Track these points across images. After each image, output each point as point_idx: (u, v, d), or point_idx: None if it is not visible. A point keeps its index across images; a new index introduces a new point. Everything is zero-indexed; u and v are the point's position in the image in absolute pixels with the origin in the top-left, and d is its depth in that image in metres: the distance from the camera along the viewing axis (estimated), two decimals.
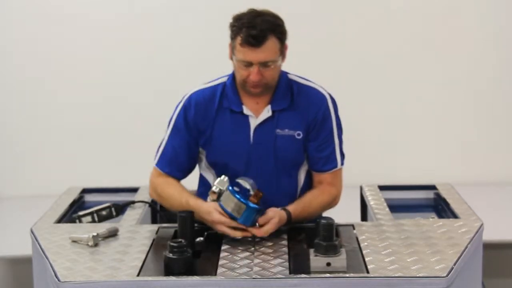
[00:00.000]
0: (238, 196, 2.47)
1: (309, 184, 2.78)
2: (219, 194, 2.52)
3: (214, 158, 2.73)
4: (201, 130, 2.71)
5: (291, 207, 2.64)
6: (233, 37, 2.59)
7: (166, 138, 2.76)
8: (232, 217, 2.48)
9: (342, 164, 2.77)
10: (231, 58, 2.64)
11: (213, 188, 2.54)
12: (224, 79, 2.75)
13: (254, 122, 2.69)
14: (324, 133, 2.72)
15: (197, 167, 2.83)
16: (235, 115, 2.69)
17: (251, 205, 2.47)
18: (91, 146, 4.51)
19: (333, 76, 4.34)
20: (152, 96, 4.40)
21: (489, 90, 4.48)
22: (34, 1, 4.42)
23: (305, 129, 2.70)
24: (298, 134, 2.71)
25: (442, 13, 4.44)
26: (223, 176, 2.55)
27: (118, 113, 4.48)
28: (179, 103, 2.75)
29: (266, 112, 2.69)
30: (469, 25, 4.44)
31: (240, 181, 2.52)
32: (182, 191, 2.70)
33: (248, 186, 2.51)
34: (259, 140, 2.69)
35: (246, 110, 2.69)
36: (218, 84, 2.74)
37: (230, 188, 2.49)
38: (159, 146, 2.78)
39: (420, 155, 4.52)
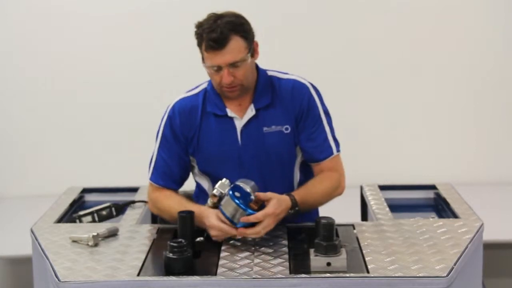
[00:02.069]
0: (237, 201, 2.46)
1: (306, 179, 2.77)
2: (220, 197, 2.51)
3: (205, 164, 2.73)
4: (189, 138, 2.71)
5: (294, 192, 2.64)
6: (199, 45, 2.59)
7: (156, 151, 2.76)
8: (231, 222, 2.48)
9: (338, 150, 2.75)
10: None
11: (214, 192, 2.53)
12: (205, 85, 2.75)
13: (239, 124, 2.69)
14: (312, 121, 2.71)
15: (191, 174, 2.83)
16: (220, 119, 2.69)
17: (250, 211, 2.46)
18: (91, 146, 4.51)
19: (333, 76, 4.35)
20: (153, 96, 4.40)
21: (489, 90, 4.48)
22: (34, 1, 4.42)
23: (292, 122, 2.69)
24: (286, 129, 2.70)
25: (442, 13, 4.44)
26: (224, 179, 2.54)
27: (118, 113, 4.48)
28: (164, 114, 2.75)
29: (250, 112, 2.69)
30: (469, 25, 4.44)
31: (241, 184, 2.49)
32: (181, 200, 2.69)
33: (248, 190, 2.49)
34: (248, 140, 2.68)
35: (230, 113, 2.68)
36: (199, 91, 2.74)
37: (231, 192, 2.47)
38: (151, 160, 2.77)
39: (420, 155, 4.52)
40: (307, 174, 2.79)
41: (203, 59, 2.60)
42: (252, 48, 2.61)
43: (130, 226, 2.74)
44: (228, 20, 2.55)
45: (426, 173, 4.27)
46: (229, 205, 2.47)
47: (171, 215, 2.69)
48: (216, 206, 2.53)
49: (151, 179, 2.77)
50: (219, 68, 2.57)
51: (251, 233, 2.47)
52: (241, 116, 2.69)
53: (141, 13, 4.44)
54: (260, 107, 2.69)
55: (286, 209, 2.56)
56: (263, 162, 2.69)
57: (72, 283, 2.25)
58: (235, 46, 2.54)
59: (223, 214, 2.48)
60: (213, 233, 2.51)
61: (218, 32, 2.52)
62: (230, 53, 2.54)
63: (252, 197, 2.48)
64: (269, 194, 2.52)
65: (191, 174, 2.83)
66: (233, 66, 2.56)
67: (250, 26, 2.61)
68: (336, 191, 2.74)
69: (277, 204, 2.51)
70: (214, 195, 2.52)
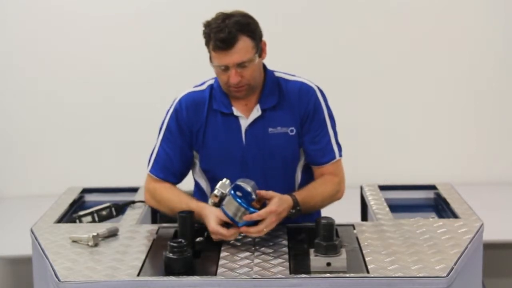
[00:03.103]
0: (239, 200, 2.46)
1: (306, 182, 2.77)
2: (221, 197, 2.51)
3: (208, 161, 2.72)
4: (194, 133, 2.70)
5: (296, 192, 2.65)
6: (206, 44, 2.59)
7: (159, 143, 2.75)
8: (233, 221, 2.48)
9: (340, 155, 2.76)
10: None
11: (215, 192, 2.52)
12: (211, 82, 2.75)
13: (244, 123, 2.69)
14: (317, 124, 2.71)
15: (190, 172, 2.83)
16: (225, 117, 2.69)
17: (252, 210, 2.46)
18: (91, 146, 4.51)
19: (333, 76, 4.35)
20: (153, 96, 4.40)
21: (489, 90, 4.48)
22: (34, 1, 4.42)
23: (298, 124, 2.70)
24: (291, 131, 2.70)
25: (442, 13, 4.44)
26: (224, 179, 2.53)
27: (118, 113, 4.48)
28: (170, 107, 2.75)
29: (256, 112, 2.68)
30: (469, 25, 4.44)
31: (242, 183, 2.49)
32: (181, 195, 2.69)
33: (249, 189, 2.49)
34: (252, 140, 2.68)
35: (236, 111, 2.68)
36: (206, 87, 2.74)
37: (232, 192, 2.47)
38: (152, 152, 2.77)
39: (420, 155, 4.52)
40: (309, 177, 2.79)
41: (210, 58, 2.59)
42: (259, 48, 2.61)
43: (130, 226, 2.74)
44: (236, 20, 2.54)
45: (426, 173, 4.26)
46: (231, 205, 2.47)
47: (169, 208, 2.70)
48: (217, 206, 2.53)
49: (150, 171, 2.76)
50: (226, 68, 2.57)
51: (254, 231, 2.47)
52: (247, 115, 2.69)
53: (141, 13, 4.44)
54: (266, 108, 2.69)
55: (288, 208, 2.56)
56: (266, 163, 2.70)
57: (72, 283, 2.25)
58: (243, 46, 2.54)
59: (225, 213, 2.48)
60: (214, 237, 2.51)
61: (226, 32, 2.51)
62: (238, 53, 2.54)
63: (253, 196, 2.48)
64: (271, 193, 2.53)
65: (190, 172, 2.83)
66: (240, 66, 2.56)
67: (258, 25, 2.62)
68: (336, 195, 2.75)
69: (279, 202, 2.51)
70: (215, 195, 2.52)
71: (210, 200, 2.54)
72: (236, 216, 2.46)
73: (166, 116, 2.75)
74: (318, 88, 2.75)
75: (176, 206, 2.63)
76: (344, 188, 2.78)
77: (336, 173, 2.75)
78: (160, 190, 2.73)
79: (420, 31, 4.44)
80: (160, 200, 2.74)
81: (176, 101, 2.74)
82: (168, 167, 2.74)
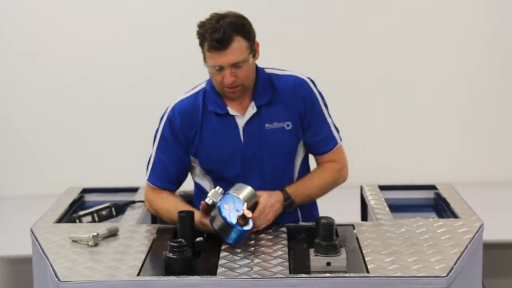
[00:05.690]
0: (224, 216, 2.42)
1: (306, 172, 2.80)
2: (213, 206, 2.50)
3: (208, 164, 2.73)
4: (190, 139, 2.71)
5: (287, 186, 2.69)
6: (201, 45, 2.59)
7: (154, 152, 2.76)
8: (219, 235, 2.45)
9: (340, 139, 2.79)
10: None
11: (207, 200, 2.50)
12: (203, 85, 2.75)
13: (241, 122, 2.69)
14: (316, 116, 2.73)
15: (189, 175, 2.83)
16: (221, 118, 2.69)
17: (239, 228, 2.43)
18: (91, 146, 4.51)
19: (333, 76, 4.35)
20: (153, 96, 4.40)
21: (489, 90, 4.48)
22: (34, 1, 4.42)
23: (295, 118, 2.71)
24: (288, 125, 2.71)
25: (442, 13, 4.44)
26: (217, 188, 2.51)
27: (118, 113, 4.48)
28: (163, 115, 2.75)
29: (251, 109, 2.69)
30: (470, 25, 4.44)
31: (234, 192, 2.48)
32: (178, 205, 2.69)
33: (241, 197, 2.46)
34: (250, 138, 2.69)
35: (231, 111, 2.69)
36: (198, 91, 2.74)
37: (219, 204, 2.45)
38: (149, 161, 2.78)
39: (420, 155, 4.52)
40: (305, 169, 2.81)
41: (204, 58, 2.60)
42: (253, 49, 2.62)
43: (130, 226, 2.74)
44: (231, 20, 2.55)
45: (426, 173, 4.26)
46: (217, 219, 2.45)
47: (168, 218, 2.72)
48: (207, 213, 2.52)
49: (148, 180, 2.78)
50: (221, 68, 2.57)
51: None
52: (242, 114, 2.69)
53: (141, 14, 4.45)
54: (261, 104, 2.69)
55: (279, 200, 2.61)
56: (266, 159, 2.70)
57: (72, 283, 2.25)
58: (238, 46, 2.55)
59: (212, 227, 2.47)
60: None
61: (221, 33, 2.52)
62: (233, 53, 2.54)
63: (244, 207, 2.45)
64: (259, 192, 2.57)
65: (189, 175, 2.83)
66: (235, 67, 2.57)
67: (252, 26, 2.62)
68: (336, 181, 2.79)
69: (267, 197, 2.57)
70: (207, 203, 2.50)
71: (201, 207, 2.53)
72: (222, 231, 2.43)
73: (159, 125, 2.75)
74: (310, 79, 2.76)
75: (173, 215, 2.62)
76: (346, 173, 2.80)
77: (338, 159, 2.78)
78: (157, 201, 2.75)
79: (420, 31, 4.44)
80: (158, 210, 2.76)
81: (169, 109, 2.74)
82: (165, 175, 2.75)
